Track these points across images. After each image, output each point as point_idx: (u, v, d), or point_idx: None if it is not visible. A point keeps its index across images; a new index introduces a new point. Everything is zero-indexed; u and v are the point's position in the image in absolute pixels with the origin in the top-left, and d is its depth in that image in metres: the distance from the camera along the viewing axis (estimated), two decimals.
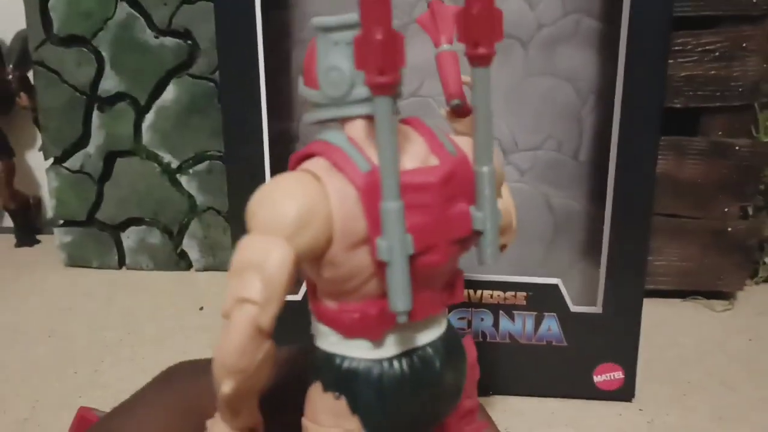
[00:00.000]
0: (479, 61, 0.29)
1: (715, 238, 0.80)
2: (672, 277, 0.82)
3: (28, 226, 1.02)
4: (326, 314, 0.30)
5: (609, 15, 0.66)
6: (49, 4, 0.84)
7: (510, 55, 0.70)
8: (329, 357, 0.29)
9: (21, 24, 0.88)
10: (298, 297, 0.64)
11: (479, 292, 0.66)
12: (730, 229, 0.80)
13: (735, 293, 0.84)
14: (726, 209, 0.79)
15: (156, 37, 0.84)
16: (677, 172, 0.79)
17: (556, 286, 0.65)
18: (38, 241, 1.02)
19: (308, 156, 0.29)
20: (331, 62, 0.29)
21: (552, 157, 0.72)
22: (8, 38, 0.96)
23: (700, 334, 0.76)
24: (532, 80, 0.70)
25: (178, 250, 0.92)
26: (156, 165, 0.89)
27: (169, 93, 0.86)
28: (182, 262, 0.93)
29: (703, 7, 0.73)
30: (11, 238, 1.03)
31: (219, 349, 0.26)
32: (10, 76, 0.95)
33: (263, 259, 0.27)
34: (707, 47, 0.74)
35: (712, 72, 0.75)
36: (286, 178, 0.28)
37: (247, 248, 0.28)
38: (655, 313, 0.78)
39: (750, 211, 0.82)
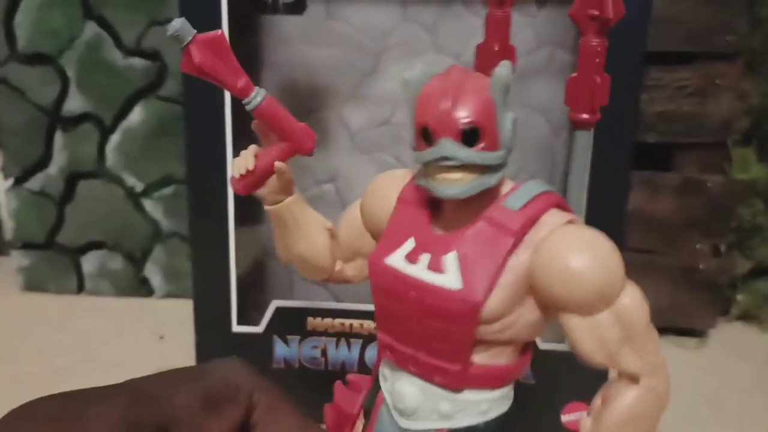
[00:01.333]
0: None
1: (686, 275, 0.79)
2: None
3: None
4: (510, 372, 0.35)
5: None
6: (15, 22, 0.82)
7: None
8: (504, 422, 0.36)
9: None
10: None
11: None
12: (701, 266, 0.79)
13: (707, 330, 0.83)
14: (697, 246, 0.79)
15: (124, 58, 0.83)
16: (649, 208, 0.78)
17: None
18: None
19: (559, 206, 0.34)
20: (510, 117, 0.32)
21: None
22: None
23: (671, 371, 0.74)
24: None
25: (140, 276, 0.89)
26: (120, 188, 0.87)
27: (136, 115, 0.84)
28: (143, 288, 0.90)
29: (676, 43, 0.73)
30: None
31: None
32: None
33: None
34: (681, 83, 0.74)
35: (686, 108, 0.75)
36: (602, 239, 0.33)
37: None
38: None
39: (722, 248, 0.81)
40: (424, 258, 0.33)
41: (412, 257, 0.34)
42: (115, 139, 0.85)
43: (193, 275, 0.64)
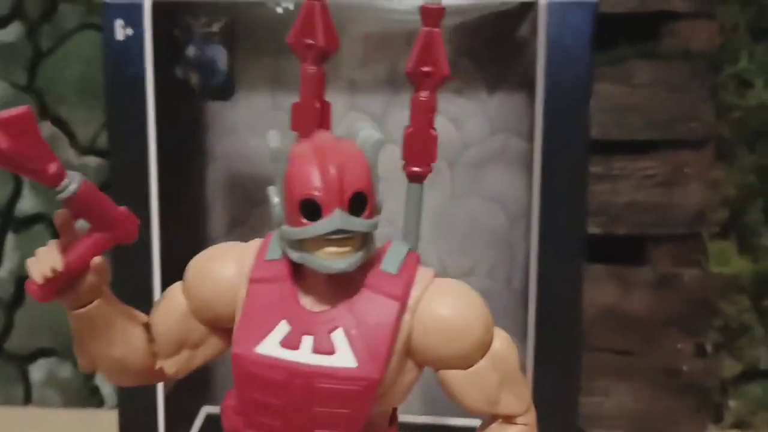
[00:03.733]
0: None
1: (668, 377, 0.74)
2: (624, 421, 0.75)
3: None
4: None
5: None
6: None
7: (436, 177, 0.66)
8: None
9: None
10: None
11: None
12: (685, 368, 0.73)
13: None
14: (679, 346, 0.73)
15: (78, 157, 0.81)
16: (624, 305, 0.73)
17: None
18: None
19: (419, 262, 0.34)
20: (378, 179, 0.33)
21: (484, 284, 0.67)
22: None
23: None
24: (460, 201, 0.66)
25: (90, 385, 0.85)
26: None
27: None
28: (93, 398, 0.85)
29: (639, 132, 0.71)
30: None
31: None
32: None
33: None
34: (647, 172, 0.71)
35: (654, 198, 0.71)
36: (470, 290, 0.33)
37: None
38: None
39: (708, 348, 0.75)
40: (306, 341, 0.31)
41: (290, 342, 0.31)
42: None
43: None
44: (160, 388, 0.58)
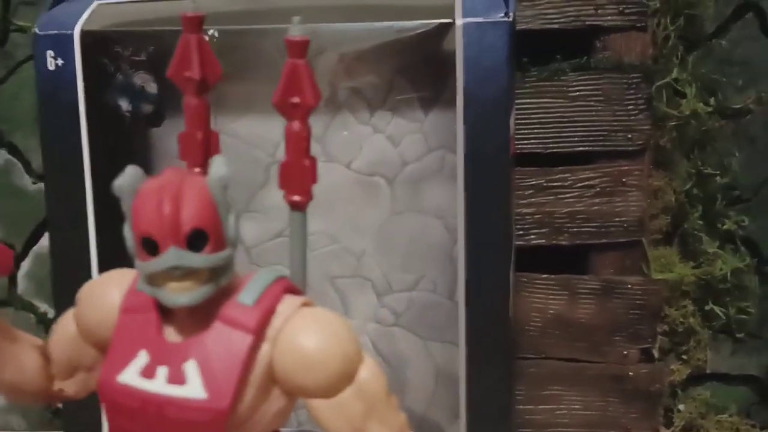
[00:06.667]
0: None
1: (616, 384, 0.75)
2: (576, 428, 0.76)
3: None
4: None
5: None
6: None
7: (376, 194, 0.67)
8: None
9: None
10: None
11: None
12: (631, 373, 0.74)
13: None
14: (625, 353, 0.74)
15: (34, 183, 0.83)
16: (571, 313, 0.75)
17: None
18: None
19: (291, 290, 0.34)
20: (233, 215, 0.33)
21: (428, 298, 0.68)
22: None
23: None
24: (400, 218, 0.68)
25: (53, 408, 0.85)
26: (32, 315, 0.85)
27: (47, 240, 0.83)
28: (57, 420, 0.86)
29: (577, 143, 0.72)
30: None
31: None
32: None
33: None
34: (586, 183, 0.72)
35: (595, 208, 0.73)
36: (335, 318, 0.34)
37: None
38: None
39: (655, 354, 0.77)
40: (161, 371, 0.32)
41: (147, 372, 0.32)
42: (25, 265, 0.84)
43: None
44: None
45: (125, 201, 0.31)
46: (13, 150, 0.83)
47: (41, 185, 0.83)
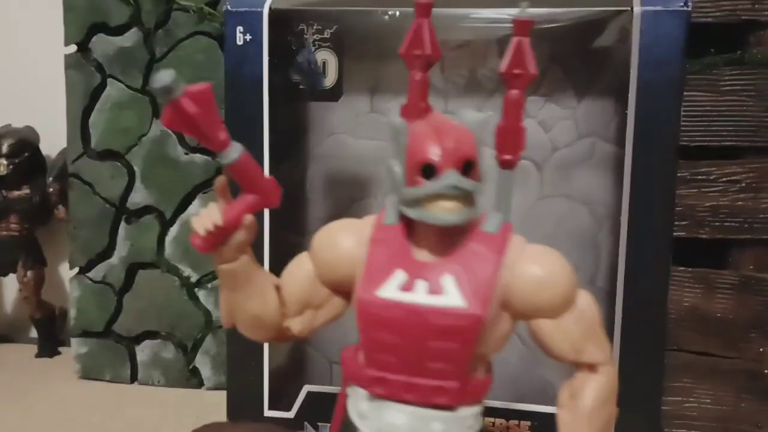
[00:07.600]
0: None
1: (751, 380, 0.74)
2: (706, 421, 0.76)
3: (51, 337, 1.02)
4: (488, 385, 0.39)
5: (623, 139, 0.66)
6: (90, 121, 0.89)
7: (525, 177, 0.69)
8: None
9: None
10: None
11: None
12: (766, 371, 0.74)
13: None
14: (761, 350, 0.74)
15: (186, 154, 0.87)
16: (707, 307, 0.75)
17: None
18: (59, 352, 1.02)
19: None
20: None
21: None
22: (54, 154, 1.01)
23: None
24: (547, 203, 0.69)
25: (191, 367, 0.90)
26: (176, 278, 0.89)
27: (195, 208, 0.88)
28: (194, 379, 0.91)
29: (726, 137, 0.72)
30: (35, 349, 1.03)
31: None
32: (50, 189, 0.99)
33: None
34: (732, 177, 0.72)
35: (739, 203, 0.72)
36: (557, 254, 0.39)
37: None
38: None
39: None
40: (420, 284, 0.36)
41: (406, 286, 0.36)
42: (173, 230, 0.89)
43: (227, 361, 0.64)
44: (266, 369, 0.63)
45: (400, 138, 0.36)
46: None
47: (193, 156, 0.87)
